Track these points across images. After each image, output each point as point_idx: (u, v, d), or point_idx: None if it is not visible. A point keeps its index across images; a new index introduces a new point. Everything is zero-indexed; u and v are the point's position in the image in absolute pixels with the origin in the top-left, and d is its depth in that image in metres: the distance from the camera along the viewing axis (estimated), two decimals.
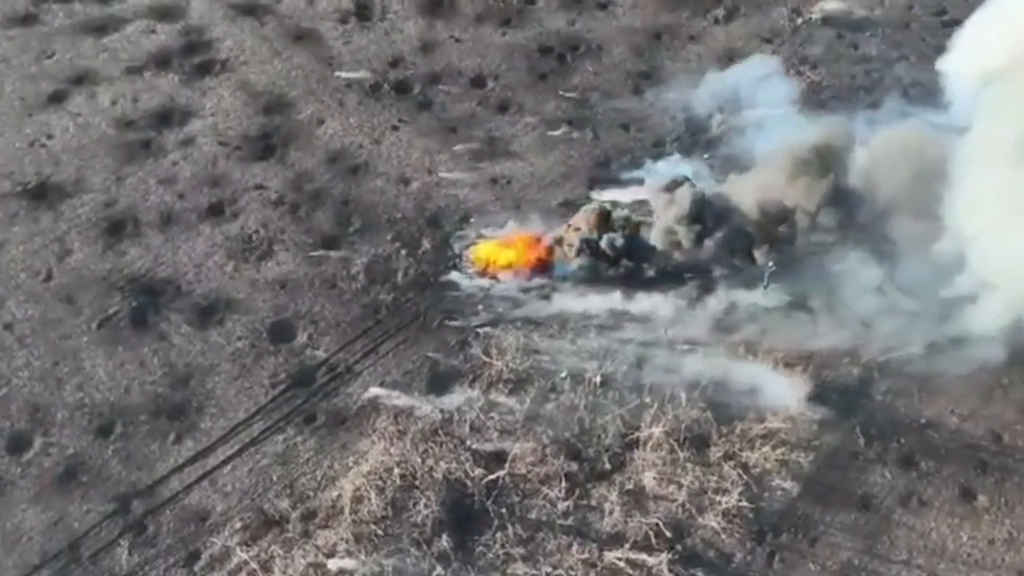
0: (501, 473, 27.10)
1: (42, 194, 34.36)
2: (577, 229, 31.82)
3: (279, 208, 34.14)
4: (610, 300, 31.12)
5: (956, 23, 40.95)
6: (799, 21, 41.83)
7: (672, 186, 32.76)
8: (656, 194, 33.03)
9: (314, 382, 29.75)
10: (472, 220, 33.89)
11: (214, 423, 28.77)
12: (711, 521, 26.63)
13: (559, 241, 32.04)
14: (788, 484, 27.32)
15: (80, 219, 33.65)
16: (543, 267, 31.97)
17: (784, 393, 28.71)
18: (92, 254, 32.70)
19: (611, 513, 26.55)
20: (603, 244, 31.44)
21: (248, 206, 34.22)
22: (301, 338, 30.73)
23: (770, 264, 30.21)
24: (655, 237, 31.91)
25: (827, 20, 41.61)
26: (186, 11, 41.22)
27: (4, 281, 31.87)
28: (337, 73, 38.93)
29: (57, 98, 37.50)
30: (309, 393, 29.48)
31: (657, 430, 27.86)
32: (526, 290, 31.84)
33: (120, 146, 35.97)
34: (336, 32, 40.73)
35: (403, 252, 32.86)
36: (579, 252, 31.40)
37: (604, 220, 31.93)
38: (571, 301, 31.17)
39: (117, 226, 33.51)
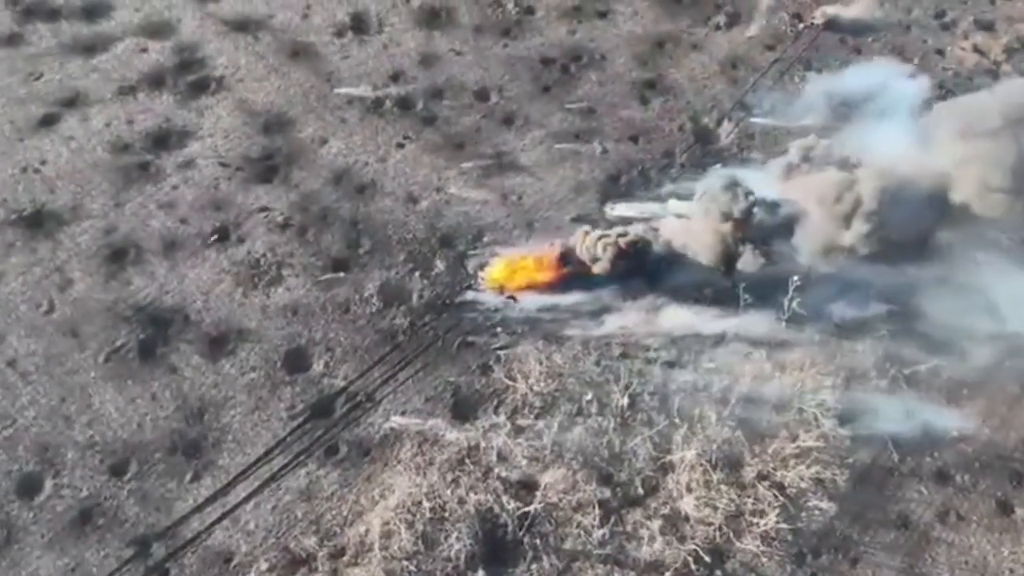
0: (535, 506, 26.29)
1: (38, 222, 33.17)
2: (733, 232, 29.44)
3: (286, 231, 33.20)
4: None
5: (954, 25, 41.46)
6: (800, 26, 41.43)
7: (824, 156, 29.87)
8: (801, 182, 30.51)
9: (334, 412, 28.91)
10: (485, 238, 33.13)
11: (232, 459, 27.84)
12: (750, 544, 26.13)
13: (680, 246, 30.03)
14: (825, 504, 26.86)
15: (80, 248, 32.52)
16: (566, 280, 31.18)
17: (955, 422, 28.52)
18: (94, 284, 31.58)
19: (649, 540, 25.92)
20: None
21: (254, 230, 33.24)
22: (317, 366, 29.84)
23: (795, 279, 29.51)
24: (804, 237, 29.94)
25: (829, 25, 41.23)
26: (177, 28, 40.06)
27: (4, 315, 30.69)
28: (337, 89, 37.97)
29: (48, 122, 36.27)
30: (329, 424, 28.62)
31: (689, 453, 27.30)
32: (546, 308, 31.13)
33: (117, 170, 34.83)
34: (334, 47, 39.77)
35: (417, 274, 32.06)
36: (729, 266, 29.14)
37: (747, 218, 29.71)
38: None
39: (119, 254, 32.41)
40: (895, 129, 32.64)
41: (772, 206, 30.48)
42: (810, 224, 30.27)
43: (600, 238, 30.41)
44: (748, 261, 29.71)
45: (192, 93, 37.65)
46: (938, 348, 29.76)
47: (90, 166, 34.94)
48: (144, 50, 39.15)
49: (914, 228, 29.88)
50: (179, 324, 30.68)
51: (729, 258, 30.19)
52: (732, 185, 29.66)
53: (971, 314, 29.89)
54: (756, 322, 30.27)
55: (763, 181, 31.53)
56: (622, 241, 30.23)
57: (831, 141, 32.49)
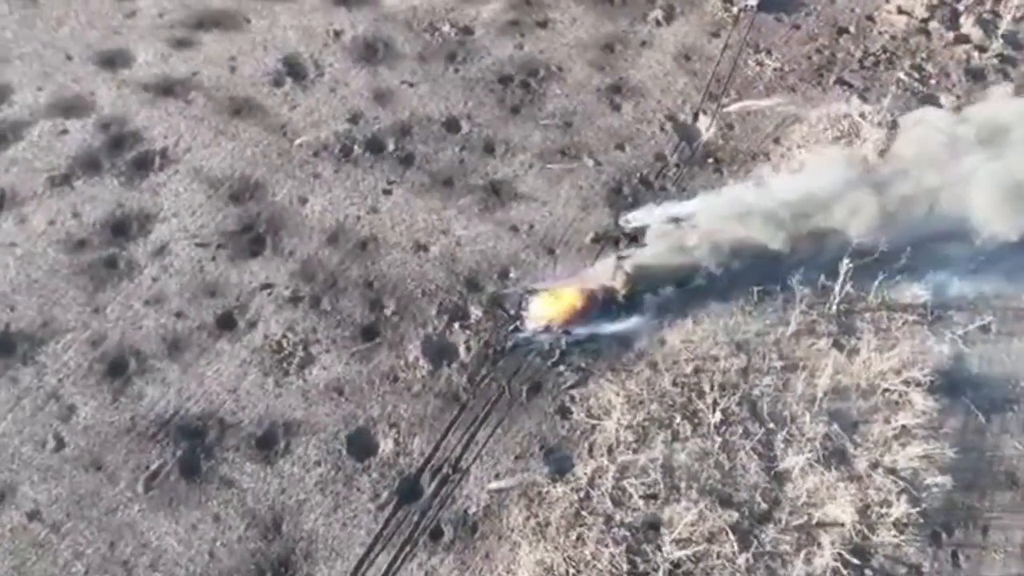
0: (677, 552, 24.87)
1: (9, 348, 28.68)
2: None
3: (298, 306, 30.18)
4: None
5: None
6: (734, 10, 41.67)
7: None
8: None
9: (422, 492, 26.43)
10: (511, 274, 31.31)
11: (331, 568, 24.93)
12: (886, 536, 25.74)
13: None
14: (940, 479, 26.81)
15: (69, 367, 28.35)
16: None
17: None
18: (101, 406, 27.61)
19: (807, 559, 25.06)
20: None
21: (262, 310, 30.03)
22: (386, 446, 27.23)
23: (846, 261, 29.23)
24: None
25: (761, 4, 41.66)
26: (93, 102, 35.80)
27: (5, 464, 26.28)
28: (297, 142, 34.98)
29: None
30: (422, 507, 26.13)
31: (801, 457, 26.67)
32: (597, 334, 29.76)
33: (81, 272, 30.66)
34: (277, 97, 36.64)
35: (456, 325, 29.86)
36: None
37: None
38: None
39: (117, 366, 28.48)
40: None
41: None
42: None
43: None
44: None
45: (136, 171, 33.69)
46: None
47: (47, 273, 30.58)
48: (64, 131, 34.74)
49: None
50: (216, 431, 27.27)
51: None
52: None
53: None
54: (813, 312, 30.03)
55: None
56: None
57: None
